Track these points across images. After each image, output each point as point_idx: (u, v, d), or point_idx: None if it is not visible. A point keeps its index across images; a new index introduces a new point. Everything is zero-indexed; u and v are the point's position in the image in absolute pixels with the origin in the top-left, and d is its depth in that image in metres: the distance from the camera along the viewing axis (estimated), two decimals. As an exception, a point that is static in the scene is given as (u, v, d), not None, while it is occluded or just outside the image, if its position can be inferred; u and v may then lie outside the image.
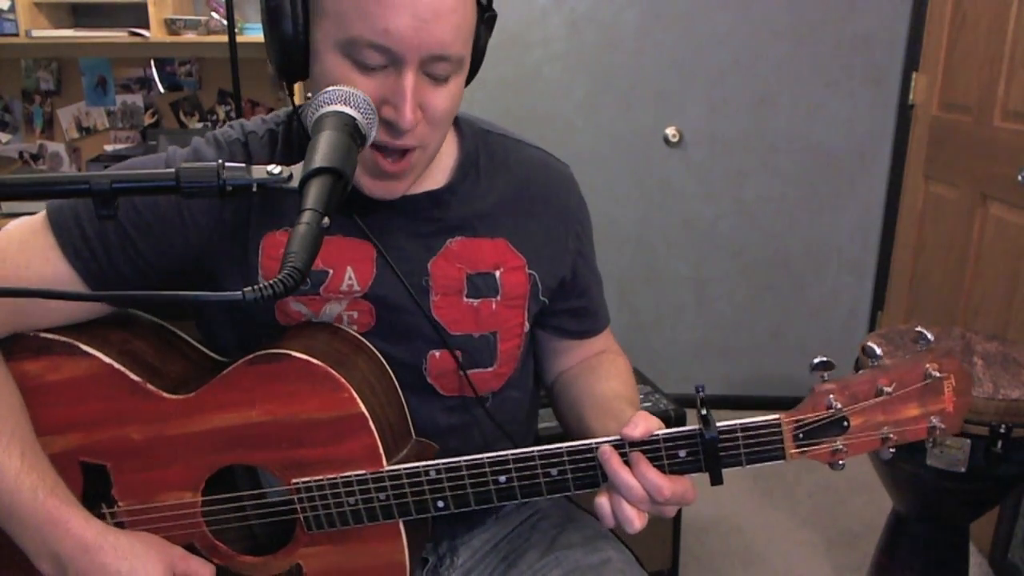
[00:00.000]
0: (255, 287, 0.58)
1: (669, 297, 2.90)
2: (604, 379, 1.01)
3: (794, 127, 2.72)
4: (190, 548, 0.88)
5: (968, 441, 1.40)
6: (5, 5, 2.40)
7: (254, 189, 0.66)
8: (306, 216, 0.63)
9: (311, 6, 0.78)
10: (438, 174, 0.92)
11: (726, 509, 2.32)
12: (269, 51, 0.82)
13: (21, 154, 2.81)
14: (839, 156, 2.74)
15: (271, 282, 0.58)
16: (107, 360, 0.84)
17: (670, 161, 2.77)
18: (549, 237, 0.97)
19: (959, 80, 2.35)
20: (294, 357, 0.81)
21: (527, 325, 0.98)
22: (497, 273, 0.94)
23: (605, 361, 1.06)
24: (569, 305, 1.02)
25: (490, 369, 0.96)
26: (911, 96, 2.63)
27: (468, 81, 0.87)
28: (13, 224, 0.86)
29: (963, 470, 1.41)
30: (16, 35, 2.42)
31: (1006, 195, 2.06)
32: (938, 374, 0.78)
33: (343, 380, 0.81)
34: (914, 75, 2.61)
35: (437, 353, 0.92)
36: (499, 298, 0.94)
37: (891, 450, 0.80)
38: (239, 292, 0.58)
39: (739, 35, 2.65)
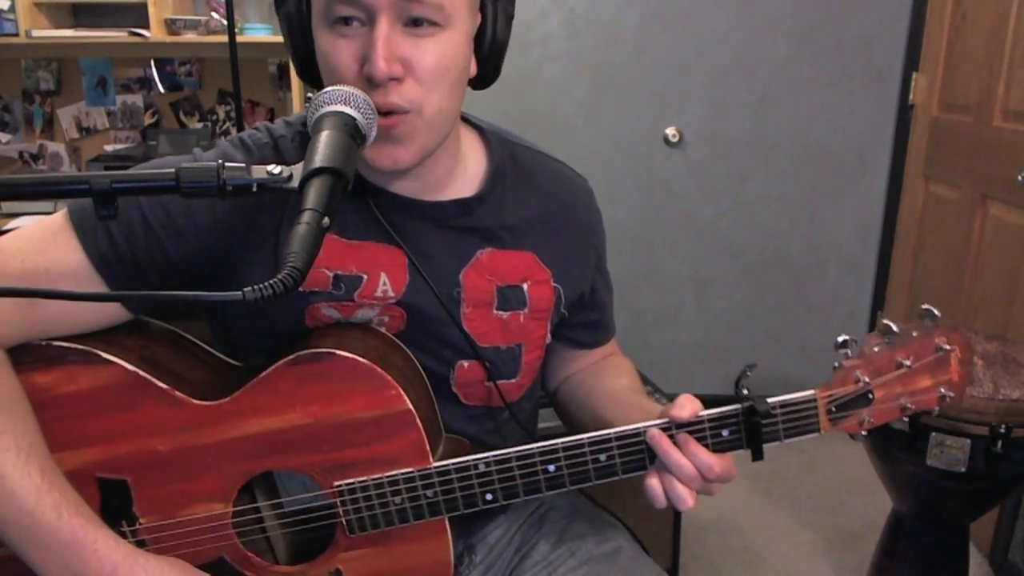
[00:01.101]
0: (255, 287, 0.58)
1: (669, 297, 2.90)
2: (615, 377, 1.03)
3: (794, 127, 2.72)
4: (220, 562, 0.85)
5: (968, 441, 1.40)
6: (5, 5, 2.40)
7: (254, 189, 0.66)
8: (306, 216, 0.63)
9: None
10: (466, 182, 0.92)
11: (726, 509, 2.32)
12: (291, 59, 0.87)
13: (21, 154, 2.81)
14: (839, 156, 2.74)
15: (271, 282, 0.58)
16: (130, 367, 0.79)
17: (670, 161, 2.77)
18: (573, 252, 0.98)
19: (959, 80, 2.35)
20: (339, 355, 0.79)
21: (549, 337, 0.99)
22: (525, 286, 0.94)
23: (612, 362, 1.09)
24: (585, 318, 1.04)
25: (513, 380, 0.96)
26: (911, 96, 2.63)
27: (489, 81, 0.88)
28: (29, 226, 0.82)
29: (963, 470, 1.41)
30: (16, 35, 2.42)
31: (1006, 195, 2.06)
32: (947, 347, 0.85)
33: (390, 377, 0.79)
34: (914, 75, 2.61)
35: (466, 364, 0.93)
36: (527, 311, 0.94)
37: (905, 419, 0.88)
38: (239, 292, 0.58)
39: (739, 35, 2.65)
